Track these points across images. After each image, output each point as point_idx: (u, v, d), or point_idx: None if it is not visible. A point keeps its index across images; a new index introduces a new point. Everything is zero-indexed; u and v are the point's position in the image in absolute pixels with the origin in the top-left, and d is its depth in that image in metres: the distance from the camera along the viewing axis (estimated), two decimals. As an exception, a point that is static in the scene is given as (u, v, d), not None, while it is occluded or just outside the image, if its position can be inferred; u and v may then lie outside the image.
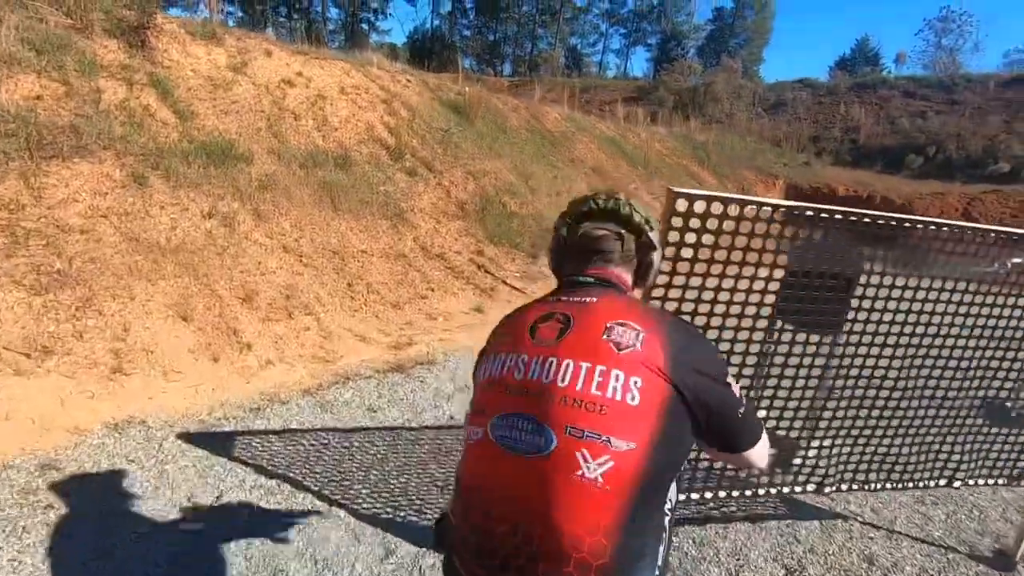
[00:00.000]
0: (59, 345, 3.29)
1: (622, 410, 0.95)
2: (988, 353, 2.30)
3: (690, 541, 2.61)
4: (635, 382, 0.96)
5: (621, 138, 15.94)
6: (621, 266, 1.20)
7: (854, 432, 2.27)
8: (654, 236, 1.22)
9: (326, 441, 3.10)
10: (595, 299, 1.09)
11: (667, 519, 1.00)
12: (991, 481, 2.47)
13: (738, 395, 1.05)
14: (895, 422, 2.28)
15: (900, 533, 2.86)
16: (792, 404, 2.12)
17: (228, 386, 3.52)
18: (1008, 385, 2.32)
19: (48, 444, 2.77)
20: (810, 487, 2.23)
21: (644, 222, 1.20)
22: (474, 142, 10.14)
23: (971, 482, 2.44)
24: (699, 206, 1.59)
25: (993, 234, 2.05)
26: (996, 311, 2.21)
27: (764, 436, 1.10)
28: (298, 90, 7.89)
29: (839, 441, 2.25)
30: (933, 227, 1.96)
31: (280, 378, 3.72)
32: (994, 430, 2.42)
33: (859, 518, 2.95)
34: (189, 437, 2.99)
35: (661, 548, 0.99)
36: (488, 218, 8.12)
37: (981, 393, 2.38)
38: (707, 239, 1.64)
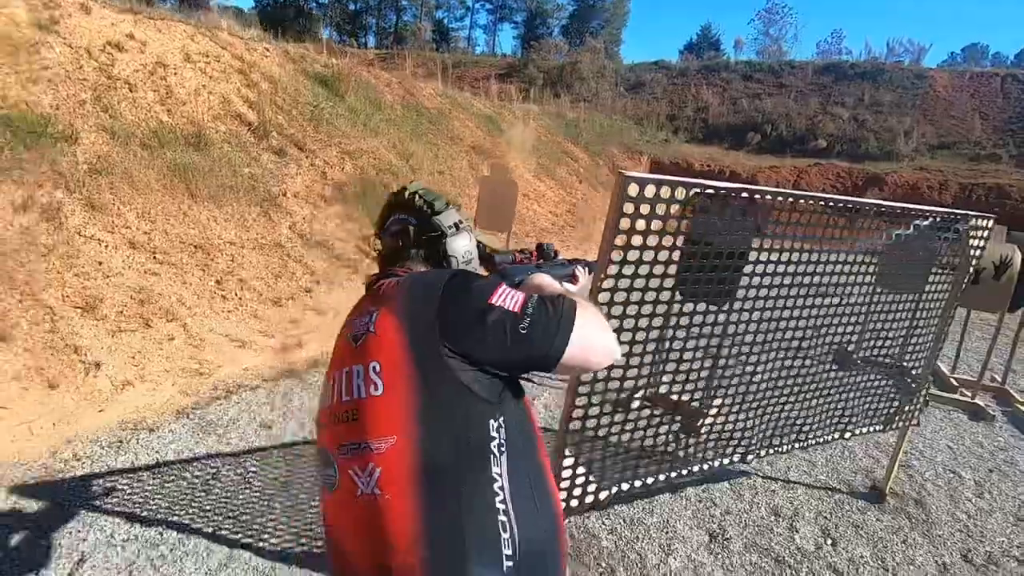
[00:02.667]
0: None
1: (369, 406, 0.86)
2: (841, 309, 2.52)
3: (622, 522, 2.63)
4: (374, 368, 0.87)
5: (497, 115, 15.88)
6: (414, 261, 1.12)
7: (766, 402, 2.40)
8: (443, 220, 1.12)
9: (214, 470, 2.66)
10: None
11: (501, 499, 0.83)
12: (869, 429, 2.78)
13: (512, 307, 0.88)
14: (796, 388, 2.45)
15: (794, 482, 3.15)
16: (693, 375, 2.17)
17: (75, 418, 2.89)
18: (851, 333, 2.60)
19: None
20: (736, 457, 2.32)
21: (425, 206, 1.12)
22: (347, 119, 9.43)
23: (857, 432, 2.72)
24: (649, 190, 1.51)
25: (882, 208, 2.24)
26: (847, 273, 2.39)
27: (581, 325, 0.89)
28: (130, 56, 6.71)
29: (754, 412, 2.37)
30: (844, 204, 2.08)
31: (144, 400, 3.14)
32: (871, 382, 2.72)
33: (759, 473, 3.20)
34: (27, 489, 2.39)
35: (505, 537, 0.82)
36: (371, 202, 7.60)
37: (835, 345, 2.63)
38: (655, 224, 1.56)
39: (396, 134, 10.17)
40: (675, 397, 2.25)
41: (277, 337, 4.18)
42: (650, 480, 2.08)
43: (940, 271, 2.71)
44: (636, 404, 2.18)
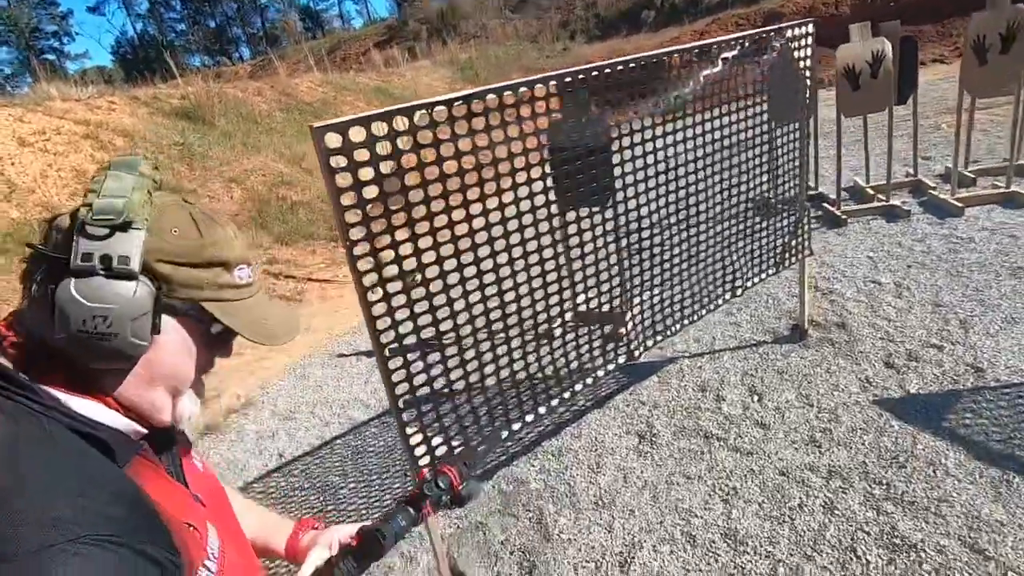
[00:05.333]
0: None
1: None
2: (745, 161, 2.43)
3: (550, 456, 2.57)
4: None
5: (386, 84, 15.18)
6: (28, 299, 0.57)
7: (646, 292, 2.30)
8: (86, 241, 0.55)
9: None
10: None
11: None
12: (763, 276, 2.70)
13: None
14: (675, 264, 2.35)
15: (719, 350, 3.11)
16: (600, 280, 2.06)
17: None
18: (765, 182, 2.53)
19: None
20: (621, 359, 2.23)
21: (90, 204, 0.56)
22: (222, 145, 8.90)
23: (749, 284, 2.64)
24: (357, 134, 1.32)
25: (678, 54, 2.07)
26: (737, 124, 2.31)
27: None
28: (-44, 162, 6.16)
29: (637, 307, 2.27)
30: (632, 64, 1.91)
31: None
32: (750, 231, 2.62)
33: (687, 354, 3.15)
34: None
35: None
36: (269, 220, 7.26)
37: (745, 198, 2.54)
38: (386, 166, 1.38)
39: (280, 141, 9.65)
40: (593, 308, 2.13)
41: (193, 395, 3.99)
42: (529, 418, 1.98)
43: (781, 90, 2.57)
44: (559, 331, 2.05)
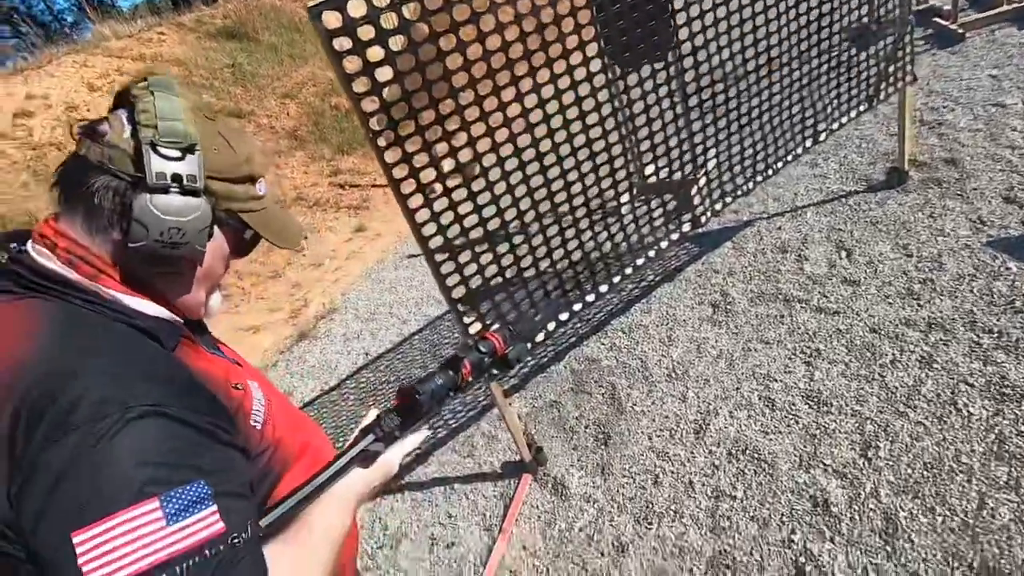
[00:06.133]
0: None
1: None
2: None
3: (620, 334, 2.54)
4: None
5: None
6: (74, 205, 0.61)
7: (709, 150, 2.07)
8: (156, 161, 0.60)
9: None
10: None
11: None
12: (852, 114, 2.34)
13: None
14: (742, 112, 2.07)
15: (802, 207, 2.83)
16: (655, 143, 1.87)
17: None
18: (863, 9, 2.11)
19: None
20: (685, 227, 2.07)
21: (144, 122, 0.60)
22: (271, 61, 8.82)
23: (835, 127, 2.30)
24: (356, 8, 1.19)
25: None
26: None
27: None
28: (41, 116, 6.58)
29: (701, 169, 2.06)
30: None
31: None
32: (838, 63, 2.22)
33: (764, 215, 2.90)
34: None
35: None
36: (327, 131, 7.28)
37: (829, 22, 2.14)
38: (397, 41, 1.25)
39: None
40: (650, 176, 1.98)
41: (285, 308, 4.31)
42: (590, 298, 1.92)
43: None
44: (613, 205, 1.94)
